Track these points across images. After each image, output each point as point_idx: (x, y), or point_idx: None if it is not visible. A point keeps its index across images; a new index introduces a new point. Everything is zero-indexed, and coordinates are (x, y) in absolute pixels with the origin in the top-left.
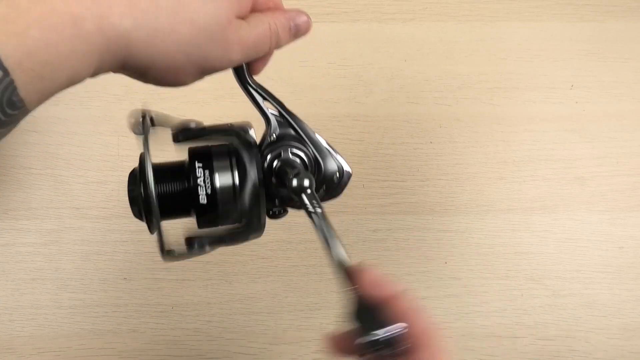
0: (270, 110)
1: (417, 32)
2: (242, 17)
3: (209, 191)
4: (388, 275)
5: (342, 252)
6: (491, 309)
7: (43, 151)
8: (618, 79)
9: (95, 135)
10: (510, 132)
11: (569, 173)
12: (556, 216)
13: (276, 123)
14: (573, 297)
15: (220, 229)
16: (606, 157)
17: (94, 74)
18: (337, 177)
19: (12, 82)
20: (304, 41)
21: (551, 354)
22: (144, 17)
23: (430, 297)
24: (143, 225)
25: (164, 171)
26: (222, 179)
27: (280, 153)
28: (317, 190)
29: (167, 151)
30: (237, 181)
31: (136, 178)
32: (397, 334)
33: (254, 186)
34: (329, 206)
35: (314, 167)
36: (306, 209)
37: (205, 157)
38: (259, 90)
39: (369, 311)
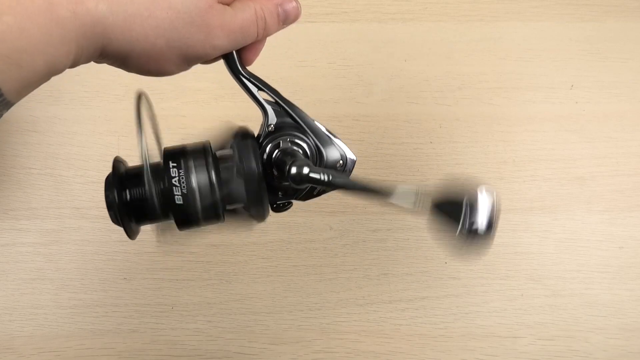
0: (267, 100)
1: (417, 32)
2: (227, 4)
3: (184, 191)
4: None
5: (399, 189)
6: (491, 309)
7: (43, 151)
8: (618, 79)
9: (95, 135)
10: (510, 132)
11: (569, 173)
12: (556, 216)
13: (273, 113)
14: (573, 297)
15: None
16: (606, 157)
17: (74, 62)
18: (340, 165)
19: None
20: (304, 41)
21: (551, 354)
22: (120, 2)
23: (430, 297)
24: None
25: (138, 174)
26: (199, 177)
27: (279, 143)
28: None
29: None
30: (213, 178)
31: (110, 183)
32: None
33: (252, 177)
34: (329, 206)
35: (316, 155)
36: (324, 184)
37: (179, 156)
38: (252, 80)
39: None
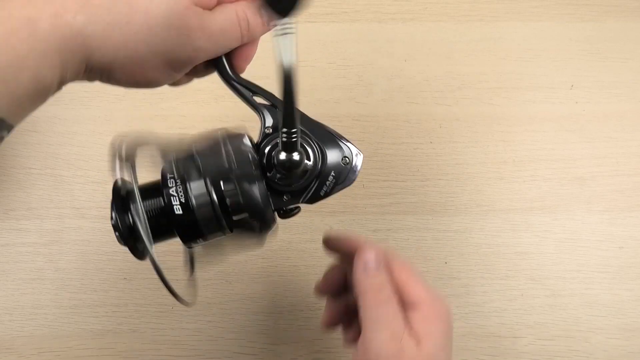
0: (262, 102)
1: (417, 32)
2: (208, 8)
3: (182, 199)
4: None
5: None
6: (491, 309)
7: (43, 151)
8: (618, 79)
9: (96, 135)
10: (510, 132)
11: (569, 173)
12: (556, 216)
13: (269, 115)
14: (573, 297)
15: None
16: (606, 157)
17: (61, 77)
18: (345, 161)
19: None
20: (304, 41)
21: (551, 354)
22: (97, 12)
23: None
24: None
25: (141, 192)
26: (194, 185)
27: (277, 143)
28: (325, 178)
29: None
30: (210, 186)
31: (117, 206)
32: None
33: (247, 181)
34: (329, 206)
35: (318, 154)
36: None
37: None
38: (244, 84)
39: None
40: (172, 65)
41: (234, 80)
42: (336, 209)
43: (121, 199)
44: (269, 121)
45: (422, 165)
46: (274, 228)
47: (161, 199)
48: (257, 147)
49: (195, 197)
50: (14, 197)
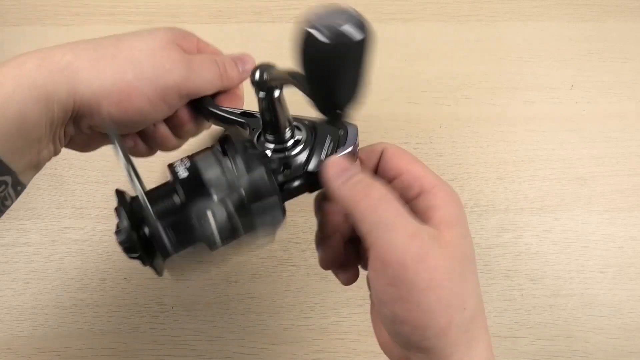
0: (250, 117)
1: (417, 32)
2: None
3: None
4: None
5: None
6: (491, 309)
7: None
8: (618, 79)
9: None
10: (510, 132)
11: (569, 173)
12: (556, 216)
13: (253, 122)
14: (573, 297)
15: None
16: (606, 157)
17: (48, 115)
18: (338, 126)
19: None
20: None
21: (551, 354)
22: (84, 51)
23: None
24: None
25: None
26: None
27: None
28: (322, 142)
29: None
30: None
31: (125, 219)
32: None
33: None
34: None
35: (309, 128)
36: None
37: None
38: (225, 109)
39: None
40: (160, 93)
41: (218, 109)
42: None
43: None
44: (255, 124)
45: None
46: (284, 219)
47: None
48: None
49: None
50: None
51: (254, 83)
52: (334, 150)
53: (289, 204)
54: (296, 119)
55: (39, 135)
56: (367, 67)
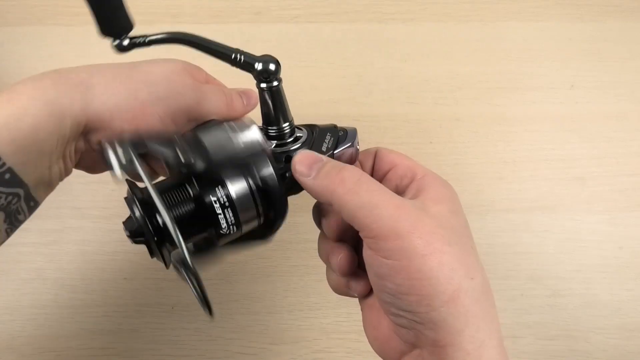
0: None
1: (417, 32)
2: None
3: (227, 205)
4: None
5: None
6: None
7: None
8: (618, 79)
9: None
10: (510, 132)
11: (569, 173)
12: (556, 216)
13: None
14: (573, 297)
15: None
16: (606, 157)
17: (62, 127)
18: (336, 127)
19: None
20: (304, 41)
21: (551, 354)
22: (101, 71)
23: None
24: None
25: (165, 197)
26: (236, 187)
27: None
28: (322, 138)
29: None
30: (252, 183)
31: (138, 216)
32: None
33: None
34: None
35: (308, 130)
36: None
37: (215, 183)
38: None
39: None
40: (172, 114)
41: None
42: None
43: (144, 202)
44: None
45: None
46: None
47: (198, 207)
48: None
49: (236, 193)
50: None
51: (256, 73)
52: (334, 145)
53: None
54: (297, 126)
55: (50, 149)
56: None
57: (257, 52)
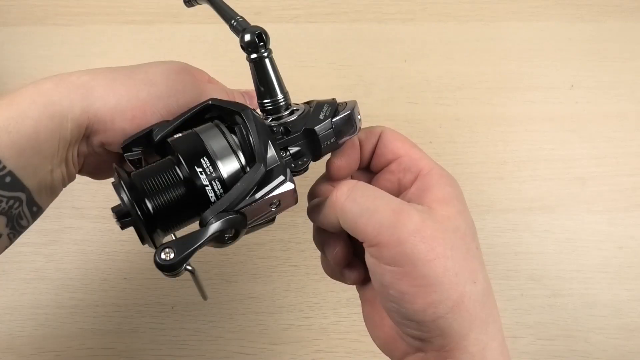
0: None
1: (417, 32)
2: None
3: (218, 187)
4: None
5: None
6: None
7: None
8: (618, 79)
9: None
10: (510, 132)
11: (569, 173)
12: (556, 216)
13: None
14: (573, 297)
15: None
16: (606, 157)
17: (61, 129)
18: (330, 102)
19: None
20: (304, 41)
21: (551, 354)
22: (102, 73)
23: None
24: None
25: (154, 181)
26: (228, 167)
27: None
28: (318, 111)
29: None
30: (243, 162)
31: (125, 196)
32: None
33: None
34: None
35: (301, 107)
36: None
37: (200, 154)
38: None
39: None
40: (173, 112)
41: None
42: None
43: (130, 184)
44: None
45: None
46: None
47: (185, 186)
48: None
49: (229, 181)
50: None
51: (245, 45)
52: (332, 114)
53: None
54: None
55: (52, 152)
56: None
57: None
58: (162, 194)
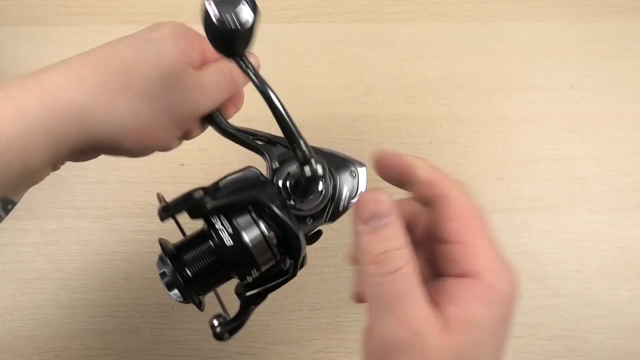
0: (260, 142)
1: (417, 32)
2: (196, 69)
3: (230, 231)
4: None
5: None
6: None
7: None
8: (618, 79)
9: None
10: (510, 132)
11: (569, 173)
12: (556, 216)
13: (272, 151)
14: (573, 297)
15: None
16: (606, 157)
17: (55, 158)
18: (352, 174)
19: None
20: (304, 41)
21: (551, 354)
22: (94, 85)
23: None
24: (143, 225)
25: (188, 246)
26: (242, 220)
27: (288, 173)
28: (340, 193)
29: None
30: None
31: (165, 263)
32: None
33: (280, 213)
34: None
35: (327, 172)
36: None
37: (219, 210)
38: (242, 130)
39: None
40: (176, 120)
41: (232, 128)
42: None
43: (172, 255)
44: (274, 156)
45: None
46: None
47: (210, 240)
48: (271, 182)
49: (246, 231)
50: None
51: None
52: (349, 198)
53: None
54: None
55: (41, 171)
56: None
57: (257, 52)
58: (197, 262)
